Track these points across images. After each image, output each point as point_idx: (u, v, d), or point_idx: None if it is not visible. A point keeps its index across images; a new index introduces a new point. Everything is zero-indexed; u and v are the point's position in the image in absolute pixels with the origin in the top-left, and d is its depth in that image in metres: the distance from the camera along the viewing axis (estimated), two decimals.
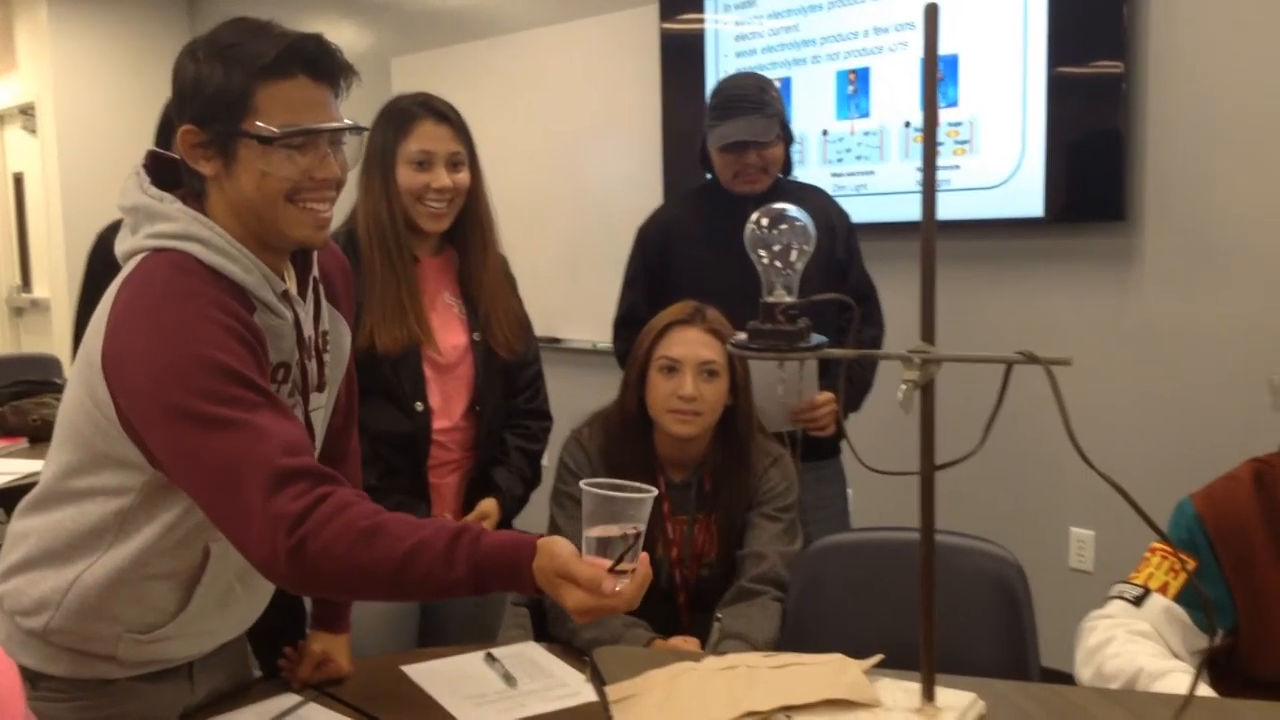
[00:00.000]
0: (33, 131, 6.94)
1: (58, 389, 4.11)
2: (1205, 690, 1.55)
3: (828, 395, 2.45)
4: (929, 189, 1.00)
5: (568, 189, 4.74)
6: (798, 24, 3.76)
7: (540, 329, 2.48)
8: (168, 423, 1.30)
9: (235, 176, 1.40)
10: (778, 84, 3.75)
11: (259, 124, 1.36)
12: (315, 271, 1.56)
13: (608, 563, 1.20)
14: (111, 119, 6.66)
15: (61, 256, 6.70)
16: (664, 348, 2.05)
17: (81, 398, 1.39)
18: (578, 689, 1.72)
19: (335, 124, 1.41)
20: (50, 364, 5.10)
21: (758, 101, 2.54)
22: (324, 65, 1.40)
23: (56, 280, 6.83)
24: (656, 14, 4.21)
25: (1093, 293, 3.29)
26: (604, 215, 4.60)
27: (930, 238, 1.01)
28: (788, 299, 1.04)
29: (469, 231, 2.21)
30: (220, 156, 1.39)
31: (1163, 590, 1.71)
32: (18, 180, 7.41)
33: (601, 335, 4.58)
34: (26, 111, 6.99)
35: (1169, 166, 3.11)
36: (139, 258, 1.41)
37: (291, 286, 1.49)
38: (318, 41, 1.39)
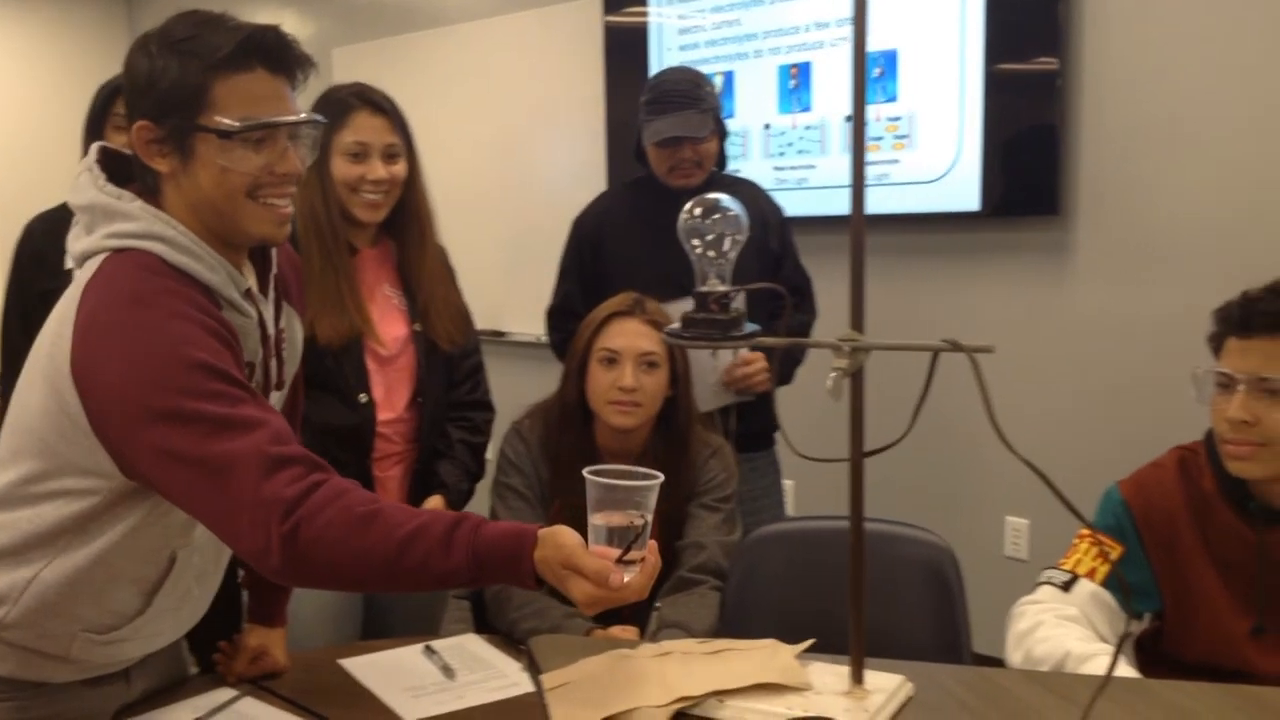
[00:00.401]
0: None
1: None
2: (1128, 671, 1.60)
3: (755, 354, 2.46)
4: (858, 180, 1.02)
5: (511, 182, 4.73)
6: (740, 18, 3.78)
7: (483, 322, 2.47)
8: (151, 425, 1.27)
9: (193, 173, 1.37)
10: (720, 78, 3.80)
11: (217, 118, 1.34)
12: (275, 269, 1.54)
13: (615, 553, 1.19)
14: (46, 114, 6.53)
15: None
16: (604, 339, 2.06)
17: (46, 405, 1.34)
18: (517, 680, 1.72)
19: (295, 117, 1.39)
20: None
21: (692, 97, 2.57)
22: (282, 57, 1.38)
23: None
24: (600, 7, 4.21)
25: (1027, 285, 3.35)
26: (548, 208, 4.59)
27: (859, 229, 1.03)
28: (721, 288, 1.05)
29: (407, 223, 2.20)
30: (177, 153, 1.36)
31: (1090, 575, 1.75)
32: None
33: (543, 328, 4.59)
34: None
35: (1101, 162, 3.17)
36: (99, 258, 1.36)
37: (253, 284, 1.47)
38: (275, 33, 1.37)
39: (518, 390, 2.37)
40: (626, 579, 1.19)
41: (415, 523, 1.24)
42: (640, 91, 4.00)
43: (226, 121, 1.34)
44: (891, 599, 2.04)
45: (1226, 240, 2.97)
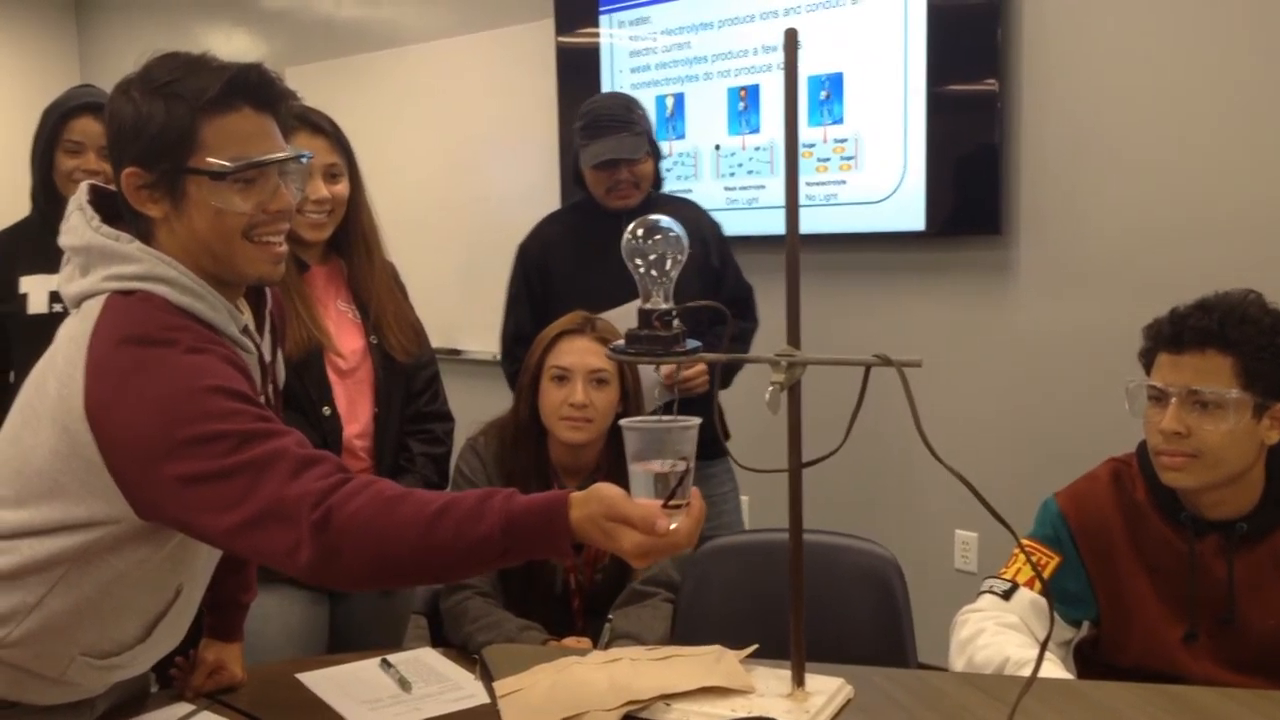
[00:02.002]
0: None
1: None
2: (1062, 673, 1.65)
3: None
4: (792, 201, 1.06)
5: (465, 201, 4.75)
6: (690, 41, 3.85)
7: (438, 340, 2.50)
8: (172, 458, 1.26)
9: (186, 216, 1.37)
10: (671, 100, 3.86)
11: (208, 160, 1.34)
12: (270, 304, 1.56)
13: (659, 502, 1.18)
14: None
15: None
16: (555, 357, 2.10)
17: (56, 447, 1.33)
18: (473, 691, 1.74)
19: (284, 154, 1.40)
20: None
21: (625, 120, 2.66)
22: (267, 95, 1.39)
23: None
24: (552, 29, 4.26)
25: (971, 303, 3.43)
26: (502, 227, 4.59)
27: (794, 251, 1.08)
28: (663, 305, 1.10)
29: (353, 241, 2.22)
30: (168, 197, 1.37)
31: (1030, 584, 1.81)
32: None
33: (498, 345, 4.61)
34: None
35: (1041, 182, 3.26)
36: (99, 300, 1.36)
37: (249, 321, 1.48)
38: (259, 71, 1.38)
39: (473, 407, 2.40)
40: (673, 525, 1.17)
41: (445, 498, 1.24)
42: None
43: (218, 163, 1.34)
44: (837, 609, 2.09)
45: (1162, 257, 3.06)
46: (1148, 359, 1.79)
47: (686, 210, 2.81)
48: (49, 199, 2.46)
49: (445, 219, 4.77)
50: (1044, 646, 1.11)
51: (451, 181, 4.79)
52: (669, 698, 1.10)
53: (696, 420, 1.19)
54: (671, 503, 1.17)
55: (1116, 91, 3.12)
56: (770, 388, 1.12)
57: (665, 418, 1.19)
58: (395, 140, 4.89)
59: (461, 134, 4.76)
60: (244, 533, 1.25)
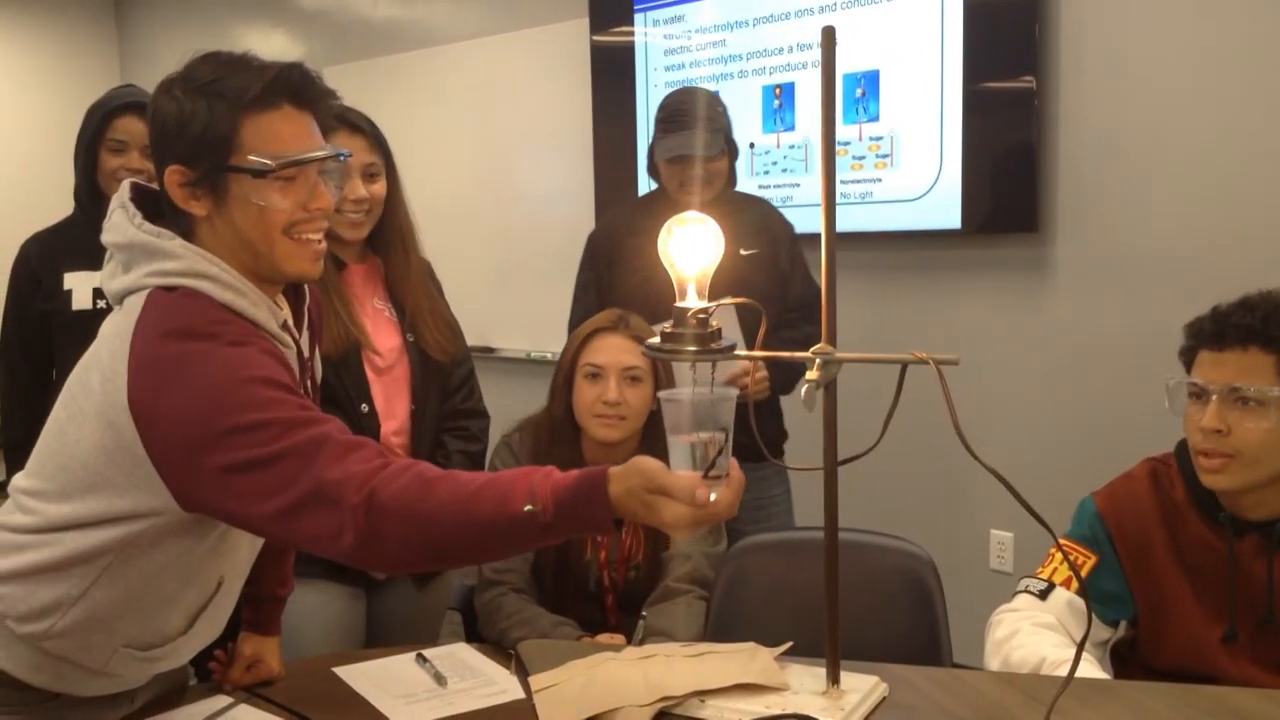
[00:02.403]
0: None
1: None
2: (1099, 673, 1.64)
3: (745, 364, 2.52)
4: (829, 201, 1.06)
5: (500, 199, 4.78)
6: (725, 39, 3.84)
7: (473, 338, 2.52)
8: (216, 448, 1.28)
9: (228, 213, 1.39)
10: None
11: (250, 158, 1.36)
12: (309, 301, 1.58)
13: (698, 474, 1.17)
14: (36, 125, 6.56)
15: None
16: (588, 355, 2.11)
17: (101, 440, 1.35)
18: (506, 687, 1.75)
19: (325, 152, 1.42)
20: None
21: (705, 116, 2.65)
22: (307, 93, 1.41)
23: None
24: (587, 27, 4.27)
25: (1008, 301, 3.41)
26: (536, 225, 4.64)
27: (831, 251, 1.08)
28: (700, 303, 1.10)
29: (390, 240, 2.24)
30: (210, 195, 1.39)
31: (1066, 584, 1.80)
32: None
33: (534, 344, 4.63)
34: None
35: (1079, 179, 3.23)
36: (141, 295, 1.39)
37: (288, 317, 1.50)
38: (300, 70, 1.40)
39: (507, 405, 2.41)
40: (713, 496, 1.17)
41: (484, 477, 1.25)
42: (628, 110, 4.10)
43: (260, 160, 1.36)
44: (874, 609, 2.08)
45: (1202, 255, 3.03)
46: (1188, 357, 1.78)
47: (758, 208, 2.83)
48: (92, 197, 2.49)
49: (479, 218, 4.80)
50: (1081, 646, 1.11)
51: (486, 180, 4.81)
52: (703, 694, 1.10)
53: (734, 391, 1.18)
54: (711, 474, 1.17)
55: (1155, 88, 3.09)
56: (805, 385, 1.12)
57: (703, 389, 1.18)
58: (430, 139, 4.92)
59: (496, 133, 4.78)
60: (288, 518, 1.26)
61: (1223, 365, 1.69)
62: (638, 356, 2.08)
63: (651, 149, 2.74)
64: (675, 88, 3.86)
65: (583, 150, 4.36)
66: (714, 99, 2.74)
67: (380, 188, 2.18)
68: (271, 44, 5.77)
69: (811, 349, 1.12)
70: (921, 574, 2.11)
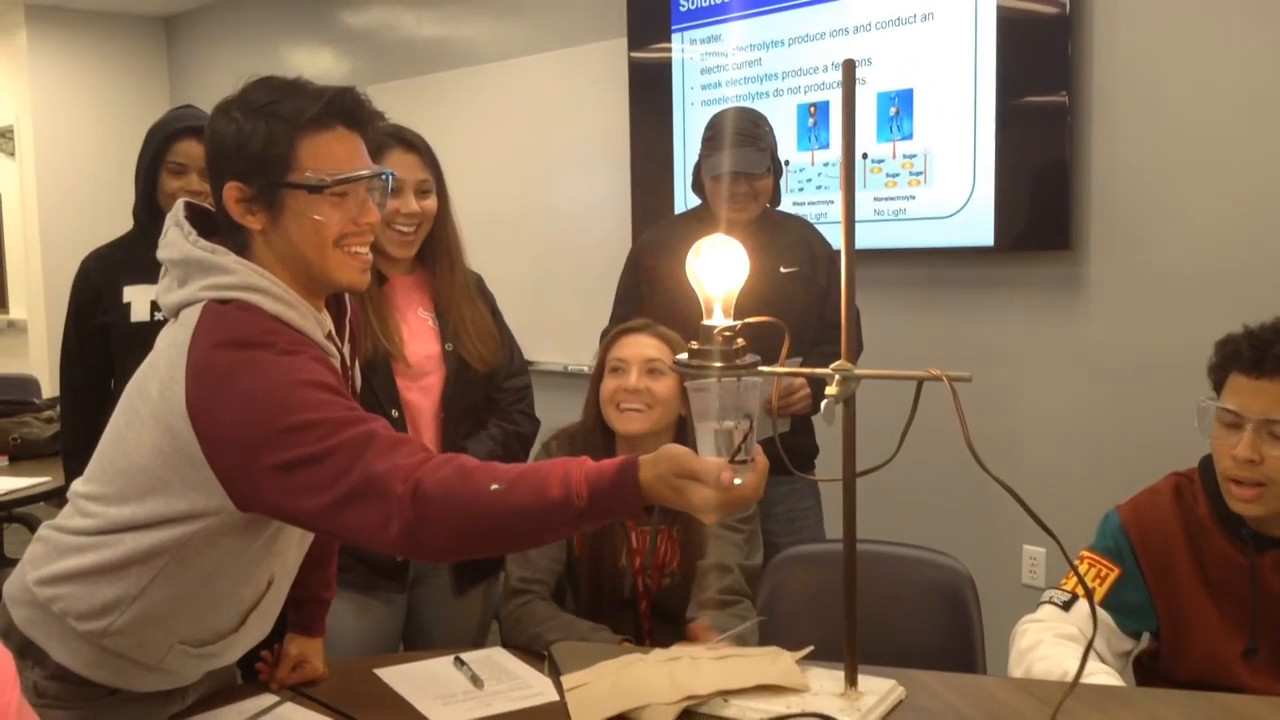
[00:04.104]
0: (11, 154, 7.01)
1: (36, 409, 4.17)
2: (1117, 682, 1.67)
3: (798, 380, 2.59)
4: (848, 225, 1.12)
5: (539, 214, 4.85)
6: (760, 58, 3.90)
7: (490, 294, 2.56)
8: (270, 448, 1.35)
9: (283, 227, 1.47)
10: None
11: (306, 174, 1.44)
12: (349, 314, 1.66)
13: (725, 459, 1.22)
14: (90, 143, 6.74)
15: (39, 278, 6.76)
16: (614, 352, 2.18)
17: (159, 444, 1.43)
18: (541, 690, 1.81)
19: (374, 170, 1.51)
20: (29, 384, 5.16)
21: (752, 135, 2.73)
22: (359, 115, 1.50)
23: (34, 302, 6.88)
24: (625, 47, 4.34)
25: (1041, 319, 3.43)
26: (574, 240, 4.72)
27: (850, 269, 1.13)
28: (725, 322, 1.16)
29: (437, 254, 2.30)
30: (266, 210, 1.47)
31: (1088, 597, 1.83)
32: None
33: (571, 357, 4.69)
34: (5, 134, 7.06)
35: (1112, 197, 3.25)
36: (197, 308, 1.46)
37: (331, 329, 1.57)
38: (353, 94, 1.49)
39: (546, 416, 2.46)
40: (738, 480, 1.22)
41: (523, 466, 1.32)
42: (665, 127, 4.17)
43: (318, 177, 1.45)
44: (911, 620, 2.12)
45: (1236, 274, 3.03)
46: (1219, 376, 1.78)
47: (799, 228, 2.90)
48: (150, 216, 2.58)
49: (519, 233, 4.88)
50: (1087, 650, 1.15)
51: (525, 196, 4.89)
52: (726, 694, 1.16)
53: (759, 380, 1.22)
54: (737, 459, 1.21)
55: (1188, 105, 3.10)
56: (825, 400, 1.17)
57: (730, 380, 1.22)
58: (472, 156, 5.01)
59: (536, 150, 4.86)
60: (337, 511, 1.33)
61: (1260, 394, 1.69)
62: (661, 351, 2.13)
63: (698, 166, 2.82)
64: (711, 106, 3.95)
65: (620, 167, 4.43)
66: (761, 118, 2.82)
67: (431, 203, 2.23)
68: (318, 63, 5.90)
69: (831, 366, 1.17)
70: (960, 588, 2.15)
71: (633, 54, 4.32)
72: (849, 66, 1.08)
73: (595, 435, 2.18)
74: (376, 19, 5.62)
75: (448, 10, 5.25)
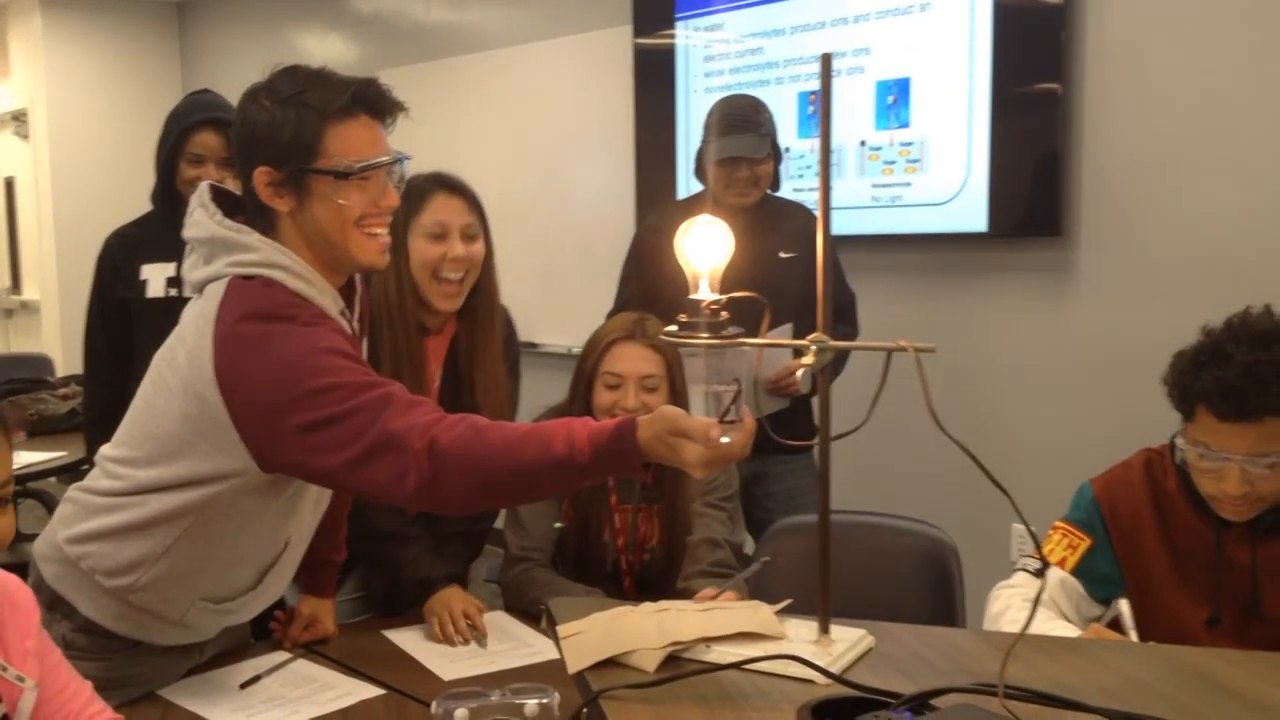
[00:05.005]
0: (25, 137, 7.11)
1: (51, 386, 4.28)
2: (1071, 633, 1.76)
3: (795, 362, 2.66)
4: (825, 211, 1.21)
5: (545, 199, 4.94)
6: (762, 46, 3.98)
7: (519, 334, 2.62)
8: (294, 409, 1.44)
9: (309, 209, 1.56)
10: None
11: (333, 160, 1.54)
12: (360, 291, 1.75)
13: (715, 419, 1.30)
14: (102, 126, 6.84)
15: (52, 259, 6.86)
16: (608, 364, 2.19)
17: (186, 410, 1.52)
18: (541, 649, 1.92)
19: (395, 156, 1.60)
20: (42, 363, 5.27)
21: (753, 122, 2.83)
22: (381, 105, 1.59)
23: (47, 282, 6.98)
24: (630, 34, 4.42)
25: (1032, 304, 3.51)
26: (579, 224, 4.81)
27: (827, 248, 1.22)
28: (711, 296, 1.25)
29: (477, 306, 2.19)
30: (294, 193, 1.56)
31: (1061, 564, 1.92)
32: (9, 184, 7.57)
33: (575, 339, 4.75)
34: (19, 118, 7.16)
35: (1102, 185, 3.32)
36: (222, 283, 1.56)
37: (344, 307, 1.66)
38: (376, 86, 1.58)
39: (550, 397, 2.52)
40: (726, 439, 1.30)
41: (529, 426, 1.42)
42: (668, 113, 4.25)
43: (345, 161, 1.54)
44: (894, 586, 2.22)
45: (1222, 261, 3.11)
46: (1186, 406, 1.77)
47: (798, 214, 2.99)
48: (167, 199, 2.68)
49: (525, 218, 4.96)
50: (1036, 602, 1.24)
51: (531, 181, 4.97)
52: (709, 640, 1.25)
53: (747, 346, 1.31)
54: (726, 419, 1.30)
55: (1178, 95, 3.17)
56: (801, 371, 1.26)
57: (720, 343, 1.30)
58: (479, 140, 5.10)
59: (542, 135, 4.95)
60: (358, 467, 1.43)
61: (1240, 436, 1.70)
62: (655, 365, 2.17)
63: (700, 152, 2.90)
64: (714, 93, 4.04)
65: (624, 153, 4.52)
66: (761, 105, 2.92)
67: (479, 248, 2.15)
68: (327, 48, 5.98)
69: (808, 338, 1.26)
70: (944, 556, 2.25)
71: (637, 41, 4.39)
72: (826, 60, 1.17)
73: None
74: (386, 4, 5.70)
75: None
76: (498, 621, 2.07)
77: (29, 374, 4.54)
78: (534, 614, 2.06)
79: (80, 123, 6.85)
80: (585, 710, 1.21)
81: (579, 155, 4.82)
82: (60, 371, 5.08)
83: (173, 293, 2.64)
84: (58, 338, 6.70)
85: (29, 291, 7.47)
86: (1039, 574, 1.92)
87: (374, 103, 1.58)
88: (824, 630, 1.26)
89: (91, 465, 1.74)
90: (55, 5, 6.78)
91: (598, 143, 4.70)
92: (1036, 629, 1.74)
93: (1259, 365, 1.68)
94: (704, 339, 1.22)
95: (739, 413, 1.31)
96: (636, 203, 4.42)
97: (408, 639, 1.99)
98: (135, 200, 2.82)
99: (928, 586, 2.25)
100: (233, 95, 2.81)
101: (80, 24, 6.88)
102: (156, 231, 2.69)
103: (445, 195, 2.13)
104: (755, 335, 1.30)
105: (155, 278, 2.68)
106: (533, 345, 4.85)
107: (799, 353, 1.30)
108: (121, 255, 2.70)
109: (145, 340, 2.61)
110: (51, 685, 1.33)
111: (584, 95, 4.74)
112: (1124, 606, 1.79)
